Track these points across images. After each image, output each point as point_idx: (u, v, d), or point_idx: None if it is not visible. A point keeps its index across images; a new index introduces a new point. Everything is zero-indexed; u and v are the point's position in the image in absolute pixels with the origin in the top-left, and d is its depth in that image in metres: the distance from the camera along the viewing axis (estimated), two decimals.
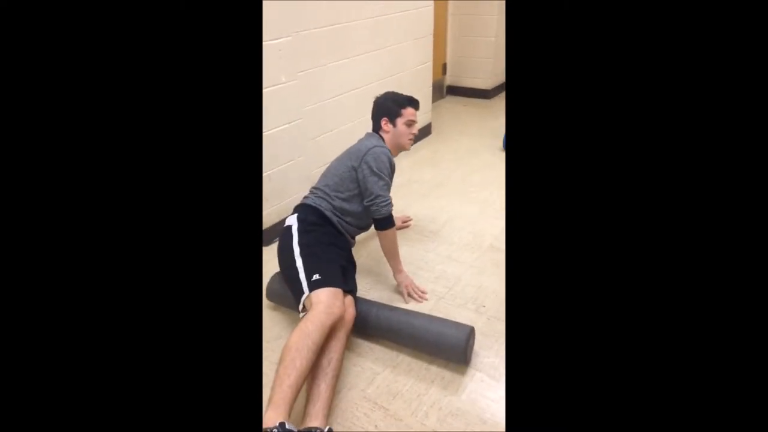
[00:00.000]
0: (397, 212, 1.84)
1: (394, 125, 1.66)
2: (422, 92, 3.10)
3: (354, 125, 2.51)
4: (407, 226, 2.12)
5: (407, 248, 1.93)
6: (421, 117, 3.12)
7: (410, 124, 1.67)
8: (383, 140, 1.65)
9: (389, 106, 1.68)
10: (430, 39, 2.98)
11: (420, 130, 3.12)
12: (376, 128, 1.70)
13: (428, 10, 2.88)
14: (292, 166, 2.02)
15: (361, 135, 2.56)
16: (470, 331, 1.34)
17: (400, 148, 1.70)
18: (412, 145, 1.71)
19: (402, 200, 2.26)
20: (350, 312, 1.33)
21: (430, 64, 3.06)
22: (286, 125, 1.95)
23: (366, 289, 1.70)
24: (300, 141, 2.05)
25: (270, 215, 1.99)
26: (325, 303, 1.24)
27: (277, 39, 1.81)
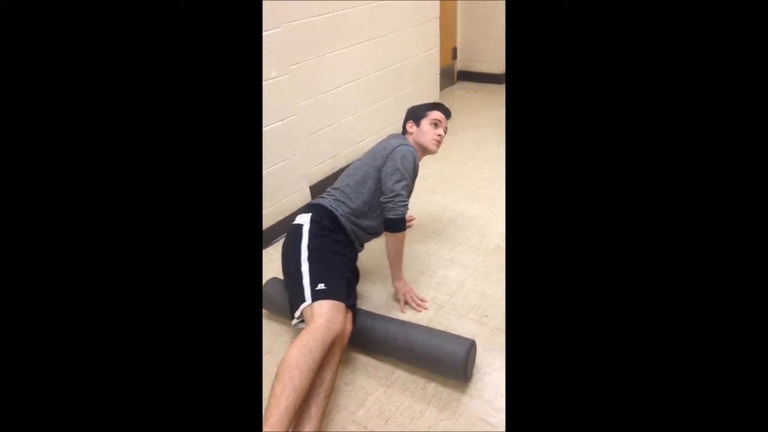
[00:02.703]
0: None
1: (419, 126, 1.60)
2: (429, 80, 2.95)
3: (354, 119, 2.39)
4: (410, 226, 2.00)
5: (408, 250, 1.82)
6: None
7: (436, 124, 1.60)
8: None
9: (416, 110, 1.65)
10: (436, 23, 2.82)
11: None
12: (402, 132, 1.66)
13: None
14: (286, 166, 1.92)
15: (362, 129, 2.47)
16: (471, 346, 1.23)
17: (425, 151, 1.62)
18: (438, 147, 1.62)
19: None
20: (348, 329, 1.24)
21: (437, 49, 2.90)
22: (278, 123, 1.84)
23: (364, 294, 1.61)
24: (294, 139, 1.94)
25: (264, 217, 1.90)
26: (327, 317, 1.15)
27: (265, 31, 1.69)
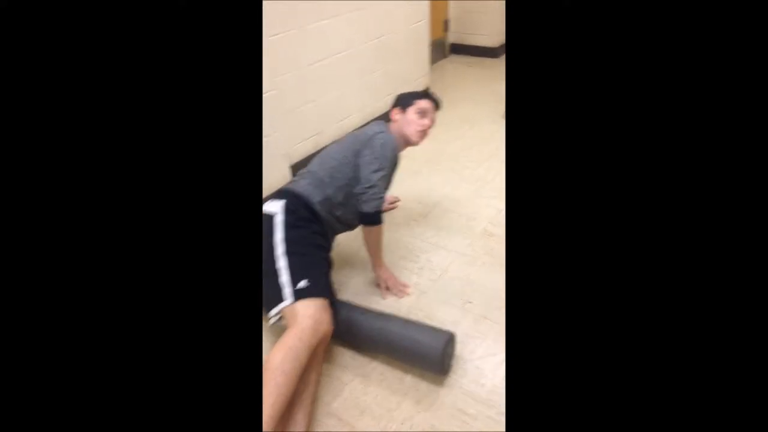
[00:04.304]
0: None
1: (404, 114, 1.51)
2: (419, 53, 2.84)
3: (340, 94, 2.29)
4: (394, 207, 1.94)
5: (391, 234, 1.77)
6: (419, 80, 2.88)
7: (422, 114, 1.50)
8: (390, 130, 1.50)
9: (404, 98, 1.56)
10: None
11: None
12: (387, 120, 1.57)
13: None
14: (265, 144, 1.84)
15: (347, 105, 2.38)
16: (448, 339, 1.19)
17: (407, 141, 1.52)
18: (422, 139, 1.53)
19: None
20: (331, 326, 1.17)
21: (426, 21, 2.78)
22: None
23: (341, 282, 1.55)
24: (274, 115, 1.85)
25: None
26: (314, 318, 1.08)
27: None
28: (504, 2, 3.49)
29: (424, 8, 2.72)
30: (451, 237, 1.76)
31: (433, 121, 1.54)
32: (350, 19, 2.20)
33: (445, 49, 3.71)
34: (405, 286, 1.51)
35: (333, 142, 1.50)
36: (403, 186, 2.07)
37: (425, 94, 1.56)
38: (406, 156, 2.32)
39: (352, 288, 1.54)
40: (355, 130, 1.54)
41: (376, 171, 1.34)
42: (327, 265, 1.28)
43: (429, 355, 1.17)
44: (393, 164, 1.44)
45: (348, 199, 1.37)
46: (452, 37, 3.72)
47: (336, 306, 1.26)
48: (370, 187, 1.33)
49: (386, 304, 1.46)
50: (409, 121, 1.50)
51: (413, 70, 2.80)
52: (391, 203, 1.94)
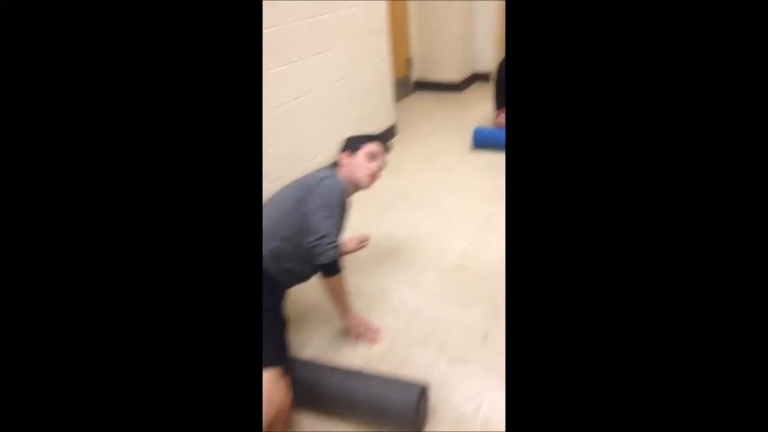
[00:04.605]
0: (353, 230, 1.60)
1: (353, 158, 1.46)
2: (382, 93, 2.87)
3: (304, 138, 2.28)
4: (364, 246, 1.88)
5: (361, 273, 1.71)
6: (385, 118, 2.90)
7: (371, 157, 1.46)
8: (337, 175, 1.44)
9: (352, 141, 1.51)
10: (385, 35, 2.75)
11: (384, 133, 2.90)
12: (334, 164, 1.52)
13: (380, 4, 2.65)
14: None
15: (311, 149, 2.36)
16: (420, 394, 1.10)
17: (357, 185, 1.46)
18: (372, 183, 1.48)
19: (358, 216, 2.02)
20: (289, 396, 1.07)
21: (387, 61, 2.83)
22: None
23: (305, 337, 1.46)
24: None
25: None
26: (266, 392, 0.99)
27: None
28: (464, 38, 3.61)
29: (384, 48, 2.77)
30: (423, 274, 1.71)
31: (382, 164, 1.50)
32: (311, 63, 2.22)
33: (409, 86, 3.79)
34: (376, 333, 1.44)
35: (277, 192, 1.42)
36: (372, 223, 2.03)
37: (373, 138, 1.52)
38: (374, 192, 2.29)
39: (318, 342, 1.44)
40: (299, 178, 1.46)
41: (326, 218, 1.27)
42: (278, 325, 1.18)
43: (401, 416, 1.09)
44: (342, 209, 1.37)
45: (298, 249, 1.29)
46: (416, 75, 3.81)
47: (294, 369, 1.16)
48: (322, 237, 1.25)
49: (359, 352, 1.38)
50: (358, 164, 1.44)
51: (378, 110, 2.82)
52: (361, 243, 1.89)
